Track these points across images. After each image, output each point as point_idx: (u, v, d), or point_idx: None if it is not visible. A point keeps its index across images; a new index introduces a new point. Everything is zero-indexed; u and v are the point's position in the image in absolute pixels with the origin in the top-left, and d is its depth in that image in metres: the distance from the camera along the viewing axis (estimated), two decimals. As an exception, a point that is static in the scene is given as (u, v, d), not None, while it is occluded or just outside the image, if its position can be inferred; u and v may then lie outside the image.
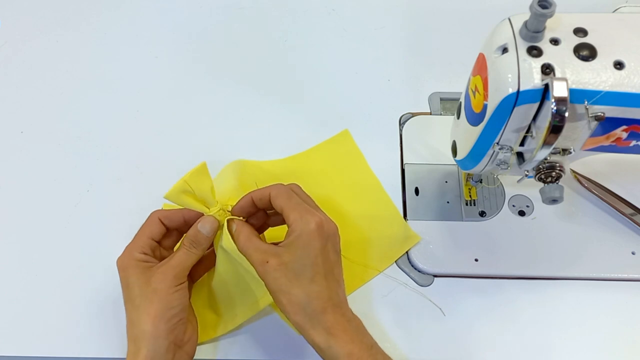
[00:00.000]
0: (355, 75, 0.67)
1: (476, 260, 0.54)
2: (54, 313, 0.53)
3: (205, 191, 0.47)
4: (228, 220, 0.47)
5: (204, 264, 0.51)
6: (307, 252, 0.43)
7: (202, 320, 0.51)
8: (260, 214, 0.49)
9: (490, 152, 0.45)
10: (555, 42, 0.39)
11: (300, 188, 0.49)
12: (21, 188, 0.59)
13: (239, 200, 0.48)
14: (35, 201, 0.59)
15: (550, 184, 0.44)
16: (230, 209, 0.48)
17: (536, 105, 0.39)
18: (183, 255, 0.46)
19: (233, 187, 0.56)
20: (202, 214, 0.47)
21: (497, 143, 0.43)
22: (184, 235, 0.48)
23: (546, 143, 0.39)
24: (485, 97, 0.41)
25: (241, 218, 0.48)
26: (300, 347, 0.51)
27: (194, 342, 0.48)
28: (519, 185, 0.53)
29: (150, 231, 0.47)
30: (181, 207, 0.48)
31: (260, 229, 0.50)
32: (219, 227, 0.47)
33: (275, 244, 0.45)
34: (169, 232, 0.49)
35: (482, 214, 0.56)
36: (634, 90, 0.38)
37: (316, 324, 0.43)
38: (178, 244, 0.50)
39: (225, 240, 0.47)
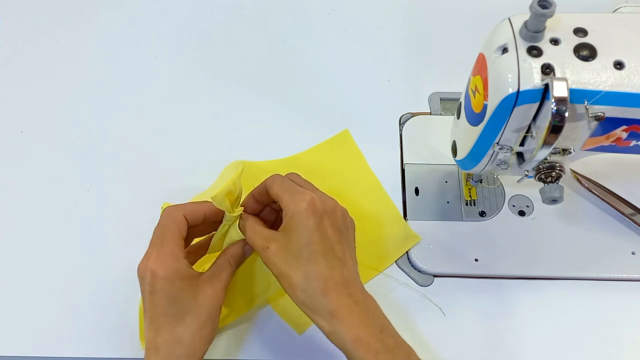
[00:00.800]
0: (355, 75, 0.67)
1: (476, 260, 0.54)
2: (54, 313, 0.53)
3: (241, 194, 0.47)
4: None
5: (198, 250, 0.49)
6: (300, 232, 0.41)
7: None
8: (267, 210, 0.49)
9: (490, 152, 0.45)
10: (555, 42, 0.39)
11: (299, 176, 0.47)
12: (21, 188, 0.59)
13: (243, 202, 0.47)
14: (35, 201, 0.59)
15: (550, 184, 0.44)
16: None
17: (536, 105, 0.39)
18: (230, 276, 0.45)
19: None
20: (218, 210, 0.45)
21: (497, 143, 0.43)
22: (228, 253, 0.46)
23: (546, 143, 0.39)
24: (485, 97, 0.41)
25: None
26: (300, 347, 0.51)
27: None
28: (519, 185, 0.53)
29: (180, 230, 0.44)
30: (199, 202, 0.46)
31: (274, 226, 0.49)
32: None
33: None
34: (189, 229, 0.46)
35: (482, 214, 0.56)
36: (634, 90, 0.38)
37: (319, 306, 0.40)
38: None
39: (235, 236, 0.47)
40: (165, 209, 0.45)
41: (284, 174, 0.47)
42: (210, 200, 0.44)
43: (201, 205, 0.46)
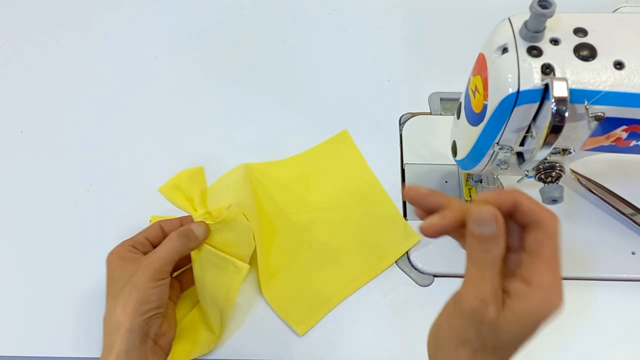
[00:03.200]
0: (355, 75, 0.67)
1: (476, 260, 0.54)
2: (54, 313, 0.53)
3: (196, 193, 0.47)
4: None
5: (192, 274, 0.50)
6: (525, 331, 0.33)
7: (197, 336, 0.51)
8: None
9: (490, 152, 0.45)
10: (555, 42, 0.39)
11: (557, 223, 0.36)
12: (21, 188, 0.59)
13: (497, 194, 0.35)
14: (35, 201, 0.59)
15: (550, 184, 0.44)
16: (216, 218, 0.48)
17: (536, 105, 0.39)
18: (167, 249, 0.46)
19: (241, 191, 0.56)
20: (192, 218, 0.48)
21: (497, 143, 0.43)
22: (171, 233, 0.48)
23: (546, 143, 0.39)
24: (485, 97, 0.41)
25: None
26: (299, 347, 0.51)
27: (170, 337, 0.48)
28: (519, 185, 0.53)
29: (147, 232, 0.48)
30: (178, 217, 0.49)
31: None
32: (208, 234, 0.48)
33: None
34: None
35: (482, 214, 0.56)
36: (634, 90, 0.38)
37: None
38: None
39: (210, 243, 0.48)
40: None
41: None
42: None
43: (179, 217, 0.49)
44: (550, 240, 0.34)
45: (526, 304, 0.32)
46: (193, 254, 0.48)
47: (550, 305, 0.33)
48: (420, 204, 0.36)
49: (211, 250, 0.48)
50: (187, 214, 0.48)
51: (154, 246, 0.48)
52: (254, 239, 0.50)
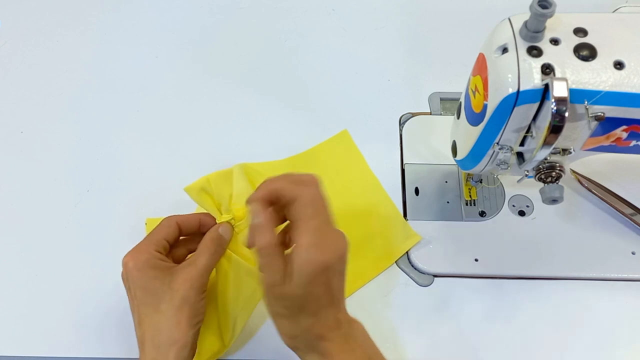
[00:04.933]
0: (355, 75, 0.67)
1: (476, 260, 0.54)
2: (54, 313, 0.53)
3: (224, 196, 0.46)
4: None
5: None
6: (310, 289, 0.39)
7: (206, 342, 0.50)
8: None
9: (490, 152, 0.45)
10: (555, 42, 0.39)
11: (318, 187, 0.41)
12: (21, 188, 0.59)
13: (258, 190, 0.41)
14: (35, 201, 0.59)
15: (550, 184, 0.44)
16: (239, 222, 0.47)
17: (536, 105, 0.39)
18: (207, 260, 0.44)
19: (240, 191, 0.56)
20: (216, 220, 0.47)
21: (497, 143, 0.43)
22: (204, 239, 0.46)
23: (546, 143, 0.39)
24: (485, 97, 0.41)
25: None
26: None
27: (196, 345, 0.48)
28: (519, 185, 0.53)
29: (166, 232, 0.45)
30: (195, 213, 0.48)
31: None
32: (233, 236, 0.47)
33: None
34: (181, 237, 0.47)
35: (482, 214, 0.56)
36: (634, 90, 0.38)
37: (311, 349, 0.41)
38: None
39: (232, 247, 0.47)
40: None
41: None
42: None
43: (196, 214, 0.47)
44: (305, 208, 0.39)
45: (296, 262, 0.38)
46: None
47: (313, 259, 0.38)
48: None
49: (237, 259, 0.46)
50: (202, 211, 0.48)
51: (172, 246, 0.46)
52: None
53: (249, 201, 0.40)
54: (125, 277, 0.44)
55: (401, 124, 0.63)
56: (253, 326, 0.52)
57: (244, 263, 0.47)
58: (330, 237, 0.40)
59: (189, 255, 0.48)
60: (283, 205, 0.41)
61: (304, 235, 0.38)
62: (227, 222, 0.47)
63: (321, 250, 0.38)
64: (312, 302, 0.40)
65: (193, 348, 0.44)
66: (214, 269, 0.47)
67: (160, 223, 0.46)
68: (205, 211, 0.48)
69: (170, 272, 0.43)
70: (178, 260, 0.47)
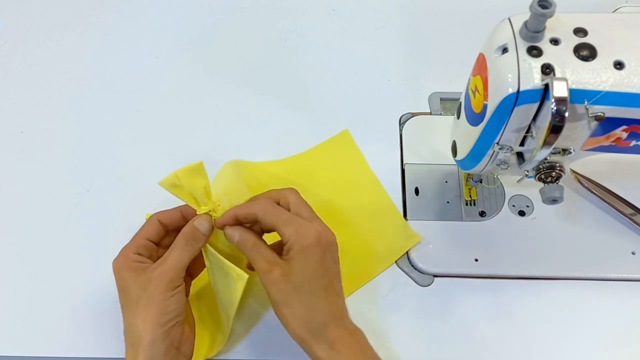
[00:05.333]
0: (355, 75, 0.67)
1: (476, 260, 0.54)
2: (54, 313, 0.53)
3: (198, 189, 0.46)
4: (226, 227, 0.46)
5: (202, 260, 0.50)
6: (305, 265, 0.42)
7: (202, 337, 0.50)
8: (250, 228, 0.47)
9: (490, 152, 0.45)
10: (555, 42, 0.39)
11: (296, 194, 0.47)
12: (21, 188, 0.59)
13: (222, 216, 0.46)
14: (35, 201, 0.59)
15: (550, 184, 0.44)
16: (221, 212, 0.47)
17: (536, 105, 0.39)
18: (177, 256, 0.45)
19: (234, 185, 0.56)
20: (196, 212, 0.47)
21: (497, 143, 0.43)
22: (180, 233, 0.46)
23: (546, 143, 0.39)
24: (485, 97, 0.41)
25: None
26: (299, 347, 0.51)
27: (192, 342, 0.48)
28: (519, 185, 0.53)
29: (147, 232, 0.47)
30: (176, 206, 0.48)
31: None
32: (214, 227, 0.47)
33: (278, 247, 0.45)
34: (168, 233, 0.48)
35: (482, 214, 0.56)
36: (634, 90, 0.38)
37: (319, 338, 0.42)
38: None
39: (214, 242, 0.47)
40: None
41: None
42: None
43: (179, 207, 0.48)
44: (269, 216, 0.44)
45: (287, 243, 0.43)
46: (202, 250, 0.47)
47: (309, 234, 0.43)
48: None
49: (215, 254, 0.47)
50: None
51: (158, 244, 0.47)
52: None
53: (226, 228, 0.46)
54: (115, 279, 0.45)
55: (401, 124, 0.63)
56: (252, 326, 0.52)
57: (219, 257, 0.46)
58: (317, 223, 0.44)
59: None
60: (251, 224, 0.46)
61: (287, 225, 0.43)
62: (206, 213, 0.46)
63: (308, 226, 0.43)
64: (310, 279, 0.42)
65: (172, 346, 0.44)
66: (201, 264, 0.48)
67: (145, 222, 0.47)
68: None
69: (145, 272, 0.44)
70: None
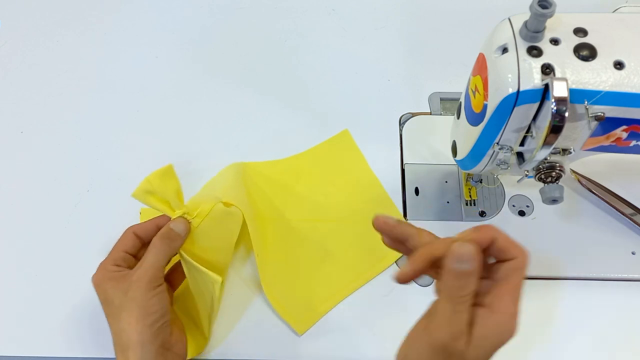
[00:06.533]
0: (355, 75, 0.67)
1: (476, 260, 0.54)
2: (54, 313, 0.53)
3: (170, 193, 0.46)
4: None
5: (182, 270, 0.49)
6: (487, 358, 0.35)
7: (193, 334, 0.50)
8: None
9: (490, 152, 0.45)
10: (555, 42, 0.39)
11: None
12: (21, 188, 0.59)
13: (474, 232, 0.37)
14: (35, 201, 0.59)
15: (550, 184, 0.45)
16: (194, 216, 0.47)
17: (536, 105, 0.39)
18: (154, 255, 0.45)
19: (234, 189, 0.56)
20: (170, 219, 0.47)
21: (497, 143, 0.43)
22: (157, 235, 0.46)
23: (546, 143, 0.39)
24: (485, 97, 0.41)
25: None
26: (298, 346, 0.51)
27: (183, 343, 0.48)
28: (519, 185, 0.53)
29: (124, 244, 0.47)
30: (153, 217, 0.48)
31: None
32: (190, 230, 0.47)
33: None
34: (144, 245, 0.48)
35: (482, 214, 0.56)
36: (634, 90, 0.38)
37: None
38: None
39: (189, 247, 0.47)
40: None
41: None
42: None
43: (153, 219, 0.48)
44: (518, 273, 0.36)
45: (488, 329, 0.34)
46: (178, 257, 0.48)
47: (508, 332, 0.34)
48: (389, 235, 0.40)
49: (189, 261, 0.47)
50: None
51: (135, 256, 0.47)
52: (241, 230, 0.50)
53: (461, 239, 0.36)
54: (97, 292, 0.45)
55: (401, 124, 0.63)
56: (251, 326, 0.52)
57: (194, 264, 0.46)
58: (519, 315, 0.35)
59: None
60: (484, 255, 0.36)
61: (509, 300, 0.35)
62: (180, 216, 0.46)
63: (515, 322, 0.34)
64: None
65: (162, 347, 0.44)
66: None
67: (121, 236, 0.47)
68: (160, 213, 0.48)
69: (125, 278, 0.44)
70: None
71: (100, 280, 0.45)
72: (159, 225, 0.47)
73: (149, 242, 0.47)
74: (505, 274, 0.35)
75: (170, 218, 0.47)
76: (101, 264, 0.46)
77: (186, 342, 0.48)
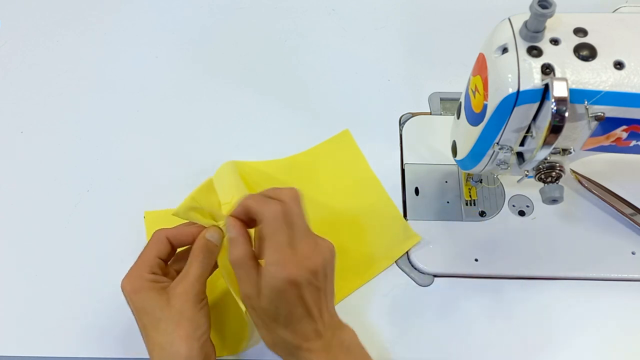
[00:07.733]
0: (355, 75, 0.67)
1: (476, 260, 0.54)
2: (54, 313, 0.53)
3: (214, 206, 0.46)
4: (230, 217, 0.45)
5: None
6: (278, 304, 0.41)
7: (223, 336, 0.50)
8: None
9: (490, 152, 0.45)
10: (555, 42, 0.39)
11: (298, 201, 0.44)
12: (21, 188, 0.59)
13: (237, 207, 0.44)
14: (35, 201, 0.59)
15: (550, 184, 0.44)
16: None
17: (536, 105, 0.39)
18: (198, 269, 0.44)
19: (235, 187, 0.56)
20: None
21: (497, 143, 0.43)
22: (192, 248, 0.45)
23: (546, 143, 0.39)
24: (485, 97, 0.41)
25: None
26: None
27: (215, 355, 0.47)
28: (519, 185, 0.53)
29: (158, 250, 0.45)
30: (181, 224, 0.47)
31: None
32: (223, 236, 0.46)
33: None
34: (174, 251, 0.47)
35: (482, 214, 0.56)
36: (634, 90, 0.38)
37: (290, 356, 0.43)
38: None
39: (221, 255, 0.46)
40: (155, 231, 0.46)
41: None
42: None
43: (188, 227, 0.47)
44: (270, 227, 0.41)
45: (264, 280, 0.41)
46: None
47: (279, 277, 0.40)
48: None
49: (221, 271, 0.46)
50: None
51: (167, 262, 0.46)
52: None
53: (227, 216, 0.44)
54: (127, 301, 0.44)
55: (401, 124, 0.63)
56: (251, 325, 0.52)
57: (225, 274, 0.46)
58: (300, 252, 0.41)
59: None
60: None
61: (267, 252, 0.41)
62: (214, 226, 0.46)
63: (283, 267, 0.40)
64: (283, 315, 0.41)
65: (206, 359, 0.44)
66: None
67: (150, 240, 0.46)
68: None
69: (166, 290, 0.44)
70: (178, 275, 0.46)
71: (138, 289, 0.43)
72: (192, 232, 0.46)
73: (181, 246, 0.47)
74: (262, 231, 0.41)
75: (203, 228, 0.46)
76: (134, 270, 0.44)
77: (215, 353, 0.48)
